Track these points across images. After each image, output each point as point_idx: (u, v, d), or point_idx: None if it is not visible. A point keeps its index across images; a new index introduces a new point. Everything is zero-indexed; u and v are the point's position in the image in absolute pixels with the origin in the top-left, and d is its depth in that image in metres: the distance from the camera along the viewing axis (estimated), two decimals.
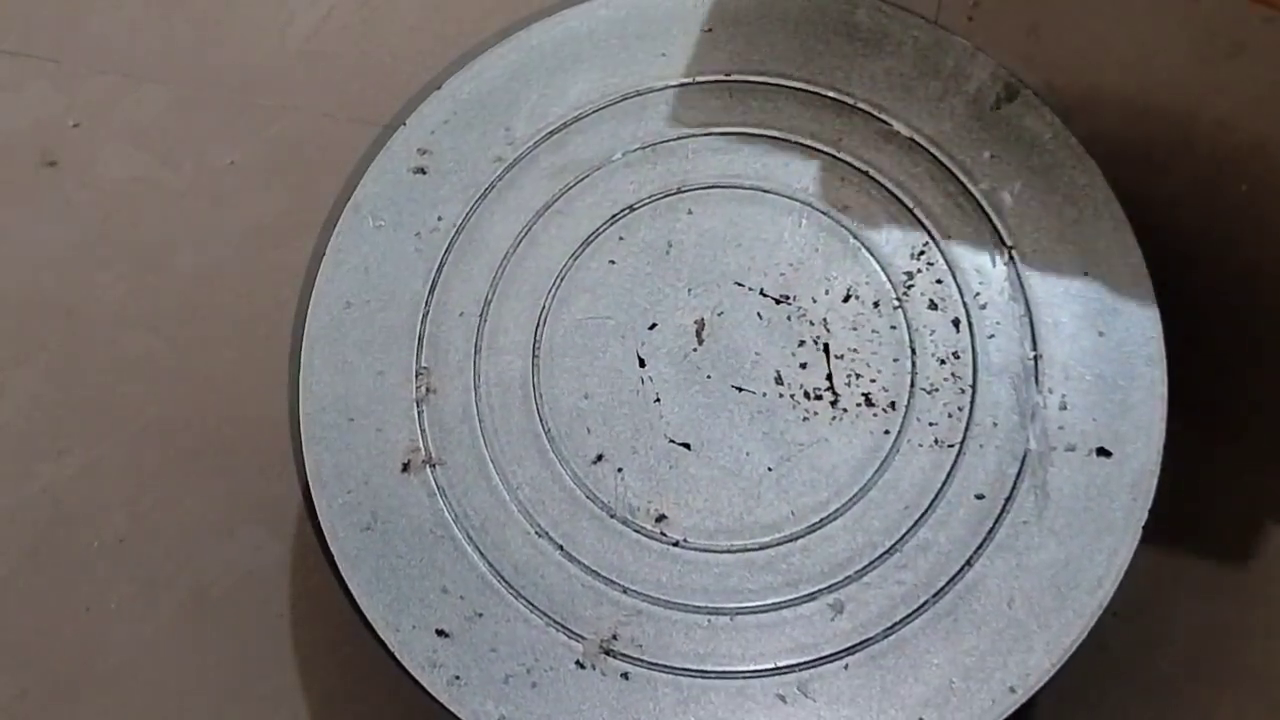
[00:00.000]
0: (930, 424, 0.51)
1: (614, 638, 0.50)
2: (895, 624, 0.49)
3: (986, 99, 0.55)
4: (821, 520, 0.51)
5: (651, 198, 0.56)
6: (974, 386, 0.52)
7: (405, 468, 0.53)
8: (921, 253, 0.54)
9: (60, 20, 0.74)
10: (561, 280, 0.55)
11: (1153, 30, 0.66)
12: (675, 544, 0.51)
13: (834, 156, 0.56)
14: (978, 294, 0.53)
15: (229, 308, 0.69)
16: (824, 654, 0.49)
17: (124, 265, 0.69)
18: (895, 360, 0.52)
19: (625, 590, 0.51)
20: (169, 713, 0.63)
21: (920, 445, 0.51)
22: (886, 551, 0.50)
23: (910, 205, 0.54)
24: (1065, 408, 0.51)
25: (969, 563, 0.49)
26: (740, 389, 0.53)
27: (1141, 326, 0.51)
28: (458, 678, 0.50)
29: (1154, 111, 0.64)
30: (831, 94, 0.57)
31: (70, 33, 0.74)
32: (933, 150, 0.55)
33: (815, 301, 0.54)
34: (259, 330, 0.68)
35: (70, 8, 0.75)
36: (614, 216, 0.56)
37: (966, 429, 0.51)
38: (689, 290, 0.55)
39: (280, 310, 0.67)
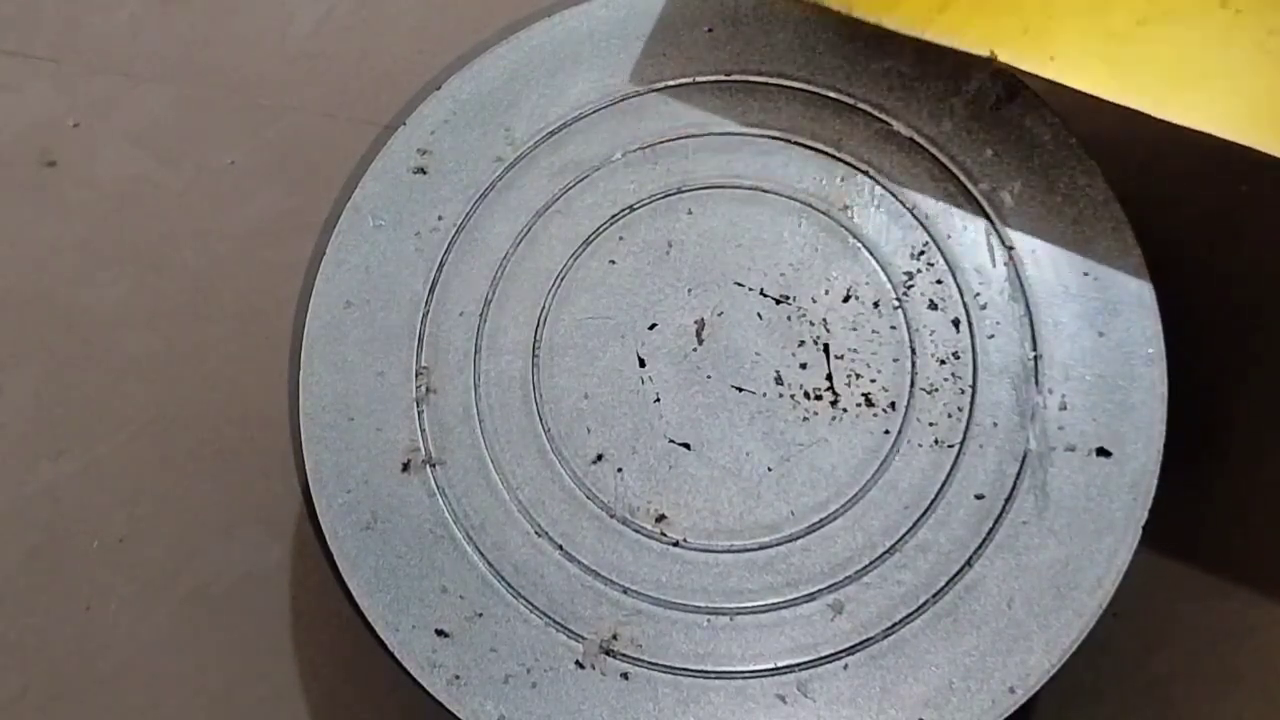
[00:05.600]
0: (930, 424, 0.51)
1: (614, 638, 0.50)
2: (895, 624, 0.49)
3: (986, 99, 0.55)
4: (821, 520, 0.51)
5: (651, 198, 0.56)
6: (974, 386, 0.52)
7: (405, 468, 0.53)
8: (921, 253, 0.54)
9: (60, 20, 0.75)
10: (561, 280, 0.55)
11: None
12: (675, 544, 0.51)
13: (834, 156, 0.56)
14: (978, 294, 0.53)
15: (229, 308, 0.69)
16: (824, 654, 0.49)
17: (124, 265, 0.69)
18: (895, 360, 0.52)
19: (625, 590, 0.51)
20: (169, 713, 0.63)
21: (920, 445, 0.51)
22: (886, 551, 0.50)
23: (910, 205, 0.54)
24: (1065, 408, 0.51)
25: (969, 563, 0.49)
26: (740, 389, 0.53)
27: (1141, 326, 0.51)
28: (458, 678, 0.50)
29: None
30: (831, 94, 0.57)
31: (70, 33, 0.74)
32: (933, 150, 0.55)
33: (815, 301, 0.54)
34: (259, 330, 0.68)
35: (70, 8, 0.75)
36: (614, 216, 0.56)
37: (966, 429, 0.51)
38: (689, 290, 0.55)
39: (280, 310, 0.67)
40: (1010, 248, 0.53)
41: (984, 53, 0.48)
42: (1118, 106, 0.46)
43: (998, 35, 0.48)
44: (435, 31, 0.72)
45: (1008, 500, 0.50)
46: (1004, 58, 0.48)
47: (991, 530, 0.50)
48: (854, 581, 0.50)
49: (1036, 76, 0.48)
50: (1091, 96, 0.47)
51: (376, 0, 0.74)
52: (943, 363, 0.52)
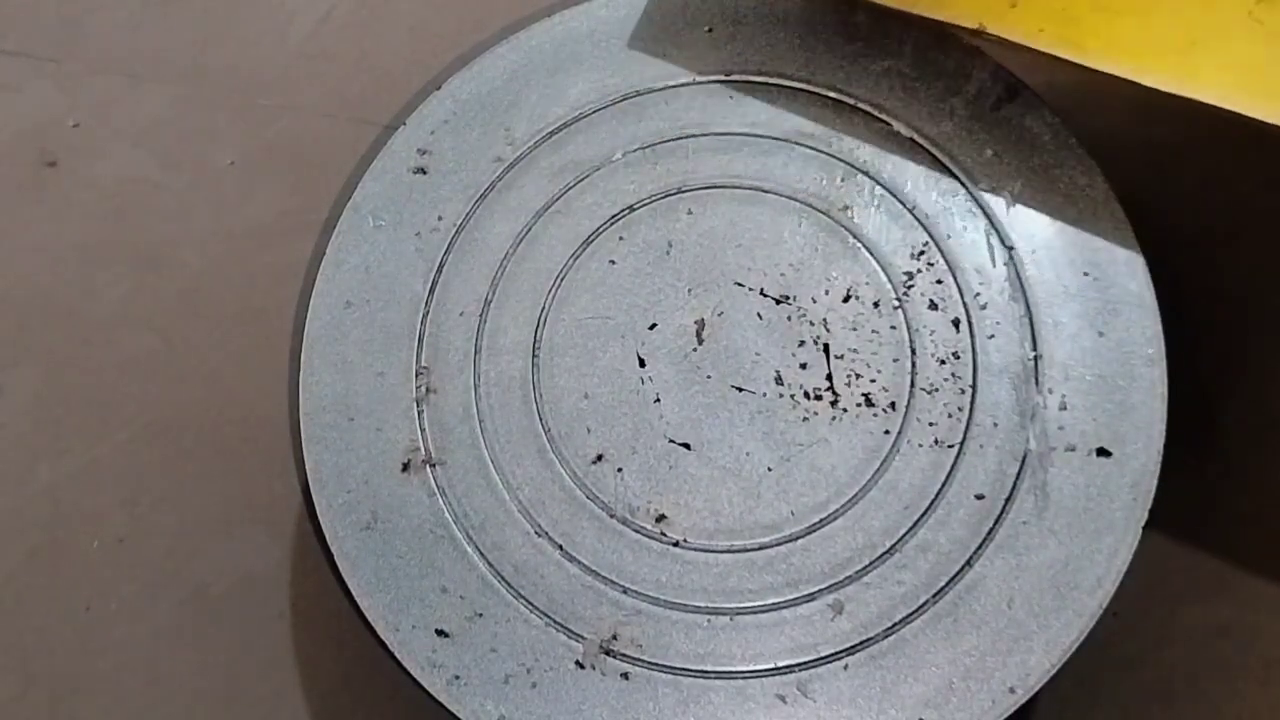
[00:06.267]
0: (930, 424, 0.51)
1: (614, 638, 0.50)
2: (895, 624, 0.49)
3: (987, 99, 0.55)
4: (821, 520, 0.51)
5: (651, 198, 0.56)
6: (974, 386, 0.52)
7: (405, 468, 0.53)
8: (921, 253, 0.54)
9: (60, 20, 0.75)
10: (561, 280, 0.55)
11: None
12: (675, 544, 0.51)
13: (834, 156, 0.56)
14: (978, 294, 0.53)
15: (229, 308, 0.69)
16: (824, 654, 0.49)
17: (124, 265, 0.69)
18: (895, 360, 0.52)
19: (625, 590, 0.51)
20: (169, 713, 0.63)
21: (920, 445, 0.51)
22: (886, 551, 0.50)
23: (910, 205, 0.54)
24: (1065, 408, 0.51)
25: (969, 563, 0.49)
26: (740, 389, 0.53)
27: (1141, 326, 0.51)
28: (458, 678, 0.50)
29: (1154, 111, 0.64)
30: (831, 94, 0.57)
31: (70, 33, 0.74)
32: (933, 150, 0.55)
33: (815, 301, 0.54)
34: (259, 330, 0.68)
35: (70, 8, 0.75)
36: (614, 216, 0.56)
37: (966, 429, 0.51)
38: (689, 290, 0.55)
39: (280, 310, 0.67)
40: (1010, 248, 0.53)
41: (973, 25, 0.48)
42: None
43: (986, 8, 0.48)
44: (435, 31, 0.73)
45: (1008, 500, 0.50)
46: (993, 30, 0.48)
47: (991, 530, 0.50)
48: (854, 581, 0.50)
49: (1024, 47, 0.48)
50: (1082, 68, 0.47)
51: (376, 0, 0.74)
52: (943, 363, 0.52)
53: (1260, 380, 0.61)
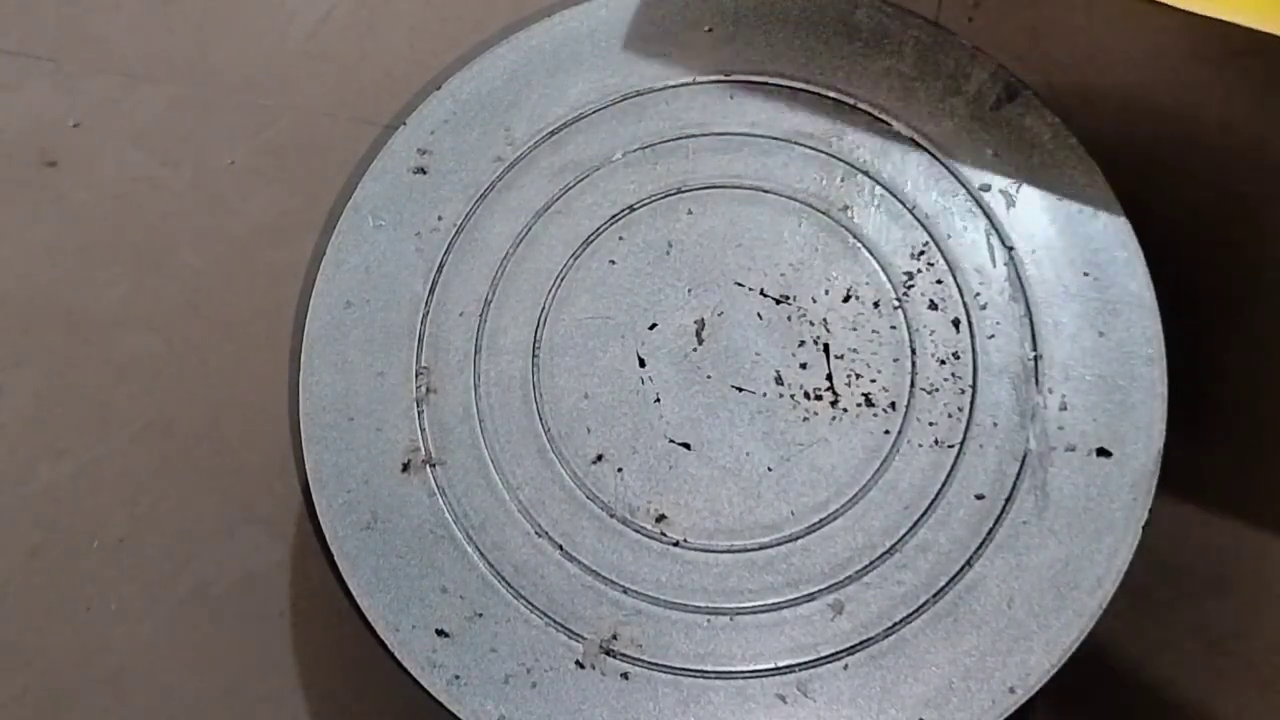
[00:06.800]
0: (930, 424, 0.51)
1: (614, 638, 0.50)
2: (895, 624, 0.49)
3: (986, 99, 0.55)
4: (821, 520, 0.51)
5: (651, 198, 0.56)
6: (974, 386, 0.52)
7: (405, 468, 0.53)
8: (921, 253, 0.54)
9: (60, 20, 0.75)
10: (561, 280, 0.55)
11: (1153, 31, 0.66)
12: (675, 544, 0.51)
13: (834, 156, 0.56)
14: (978, 294, 0.53)
15: (229, 308, 0.69)
16: (824, 654, 0.49)
17: (124, 265, 0.69)
18: (895, 360, 0.52)
19: (625, 590, 0.51)
20: (169, 713, 0.63)
21: (920, 445, 0.51)
22: (886, 551, 0.50)
23: (910, 205, 0.54)
24: (1065, 408, 0.51)
25: (969, 563, 0.49)
26: (740, 389, 0.53)
27: (1141, 326, 0.51)
28: (458, 678, 0.50)
29: (1154, 111, 0.64)
30: (831, 94, 0.57)
31: (70, 33, 0.74)
32: (933, 150, 0.55)
33: (815, 301, 0.54)
34: (259, 330, 0.68)
35: (70, 8, 0.75)
36: (614, 216, 0.56)
37: (966, 429, 0.51)
38: (689, 290, 0.55)
39: (280, 310, 0.67)
40: (1010, 248, 0.53)
41: None
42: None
43: None
44: (435, 31, 0.73)
45: (1008, 500, 0.50)
46: None
47: (991, 530, 0.50)
48: (854, 581, 0.50)
49: None
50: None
51: (376, 0, 0.74)
52: (943, 363, 0.52)
53: (1260, 380, 0.61)
